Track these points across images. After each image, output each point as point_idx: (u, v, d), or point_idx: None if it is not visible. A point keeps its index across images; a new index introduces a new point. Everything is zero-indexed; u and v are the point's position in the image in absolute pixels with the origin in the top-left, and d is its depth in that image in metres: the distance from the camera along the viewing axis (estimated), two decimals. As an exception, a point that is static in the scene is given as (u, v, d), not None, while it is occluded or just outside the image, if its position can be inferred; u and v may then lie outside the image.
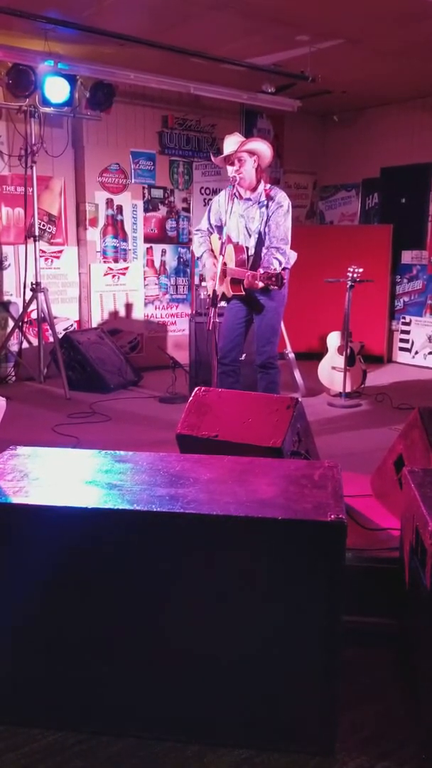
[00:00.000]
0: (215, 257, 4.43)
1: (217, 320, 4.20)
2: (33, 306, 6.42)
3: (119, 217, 7.37)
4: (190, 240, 7.67)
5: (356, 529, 3.01)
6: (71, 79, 6.06)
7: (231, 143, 4.40)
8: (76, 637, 2.00)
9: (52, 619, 2.01)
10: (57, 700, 2.05)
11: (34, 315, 6.60)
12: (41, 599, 2.01)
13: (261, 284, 4.13)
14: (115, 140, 7.20)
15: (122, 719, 2.02)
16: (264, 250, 4.42)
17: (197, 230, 4.79)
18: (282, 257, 4.34)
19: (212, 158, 4.62)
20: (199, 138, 7.78)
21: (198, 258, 4.85)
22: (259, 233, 4.45)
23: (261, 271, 4.15)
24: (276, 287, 4.07)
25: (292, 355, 6.35)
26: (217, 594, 1.95)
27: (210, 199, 4.82)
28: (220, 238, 4.32)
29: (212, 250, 4.59)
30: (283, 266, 4.31)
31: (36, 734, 2.02)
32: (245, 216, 4.47)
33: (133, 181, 7.41)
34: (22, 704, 2.07)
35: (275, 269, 4.16)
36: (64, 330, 6.99)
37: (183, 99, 7.39)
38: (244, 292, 4.41)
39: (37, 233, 6.43)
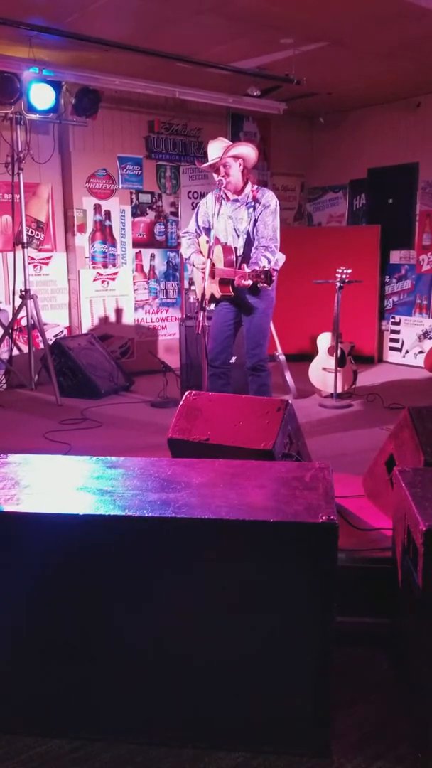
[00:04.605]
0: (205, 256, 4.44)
1: (206, 323, 4.19)
2: (22, 313, 6.41)
3: (107, 223, 7.37)
4: (179, 244, 7.67)
5: (348, 530, 3.02)
6: (56, 86, 6.07)
7: (215, 149, 4.41)
8: (68, 644, 2.00)
9: (46, 626, 2.01)
10: (51, 707, 2.05)
11: (24, 322, 6.60)
12: (34, 606, 2.01)
13: (249, 282, 4.12)
14: (102, 146, 7.21)
15: (118, 725, 2.02)
16: (253, 250, 4.43)
17: (185, 232, 4.79)
18: (271, 255, 4.34)
19: (197, 164, 4.62)
20: (186, 142, 7.79)
21: (186, 259, 4.83)
22: (248, 234, 4.46)
23: (247, 269, 4.15)
24: (265, 285, 4.05)
25: (282, 357, 6.36)
26: (210, 597, 1.95)
27: (198, 203, 4.82)
28: (207, 241, 4.32)
29: (201, 252, 4.60)
30: (271, 265, 4.30)
31: (31, 742, 2.01)
32: (233, 217, 4.48)
33: (120, 186, 7.42)
34: (16, 713, 2.06)
35: (263, 267, 4.15)
36: (55, 336, 6.98)
37: (169, 103, 7.41)
38: (232, 293, 4.42)
39: (25, 240, 6.43)
